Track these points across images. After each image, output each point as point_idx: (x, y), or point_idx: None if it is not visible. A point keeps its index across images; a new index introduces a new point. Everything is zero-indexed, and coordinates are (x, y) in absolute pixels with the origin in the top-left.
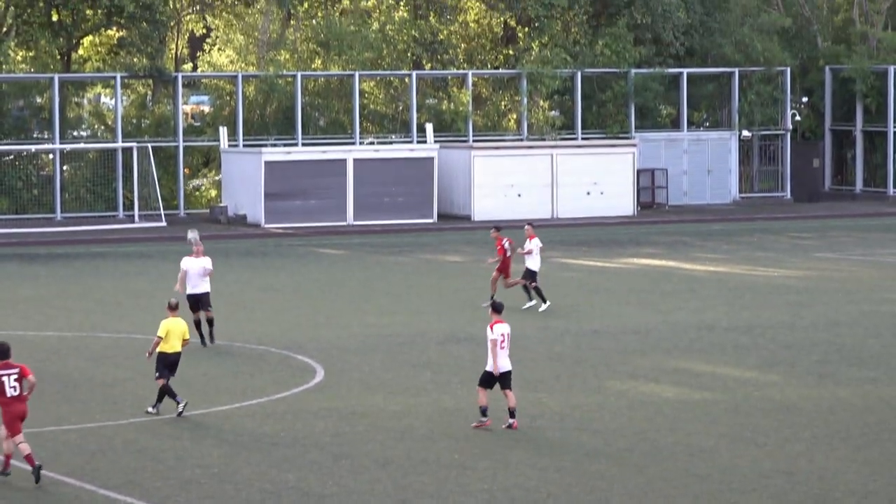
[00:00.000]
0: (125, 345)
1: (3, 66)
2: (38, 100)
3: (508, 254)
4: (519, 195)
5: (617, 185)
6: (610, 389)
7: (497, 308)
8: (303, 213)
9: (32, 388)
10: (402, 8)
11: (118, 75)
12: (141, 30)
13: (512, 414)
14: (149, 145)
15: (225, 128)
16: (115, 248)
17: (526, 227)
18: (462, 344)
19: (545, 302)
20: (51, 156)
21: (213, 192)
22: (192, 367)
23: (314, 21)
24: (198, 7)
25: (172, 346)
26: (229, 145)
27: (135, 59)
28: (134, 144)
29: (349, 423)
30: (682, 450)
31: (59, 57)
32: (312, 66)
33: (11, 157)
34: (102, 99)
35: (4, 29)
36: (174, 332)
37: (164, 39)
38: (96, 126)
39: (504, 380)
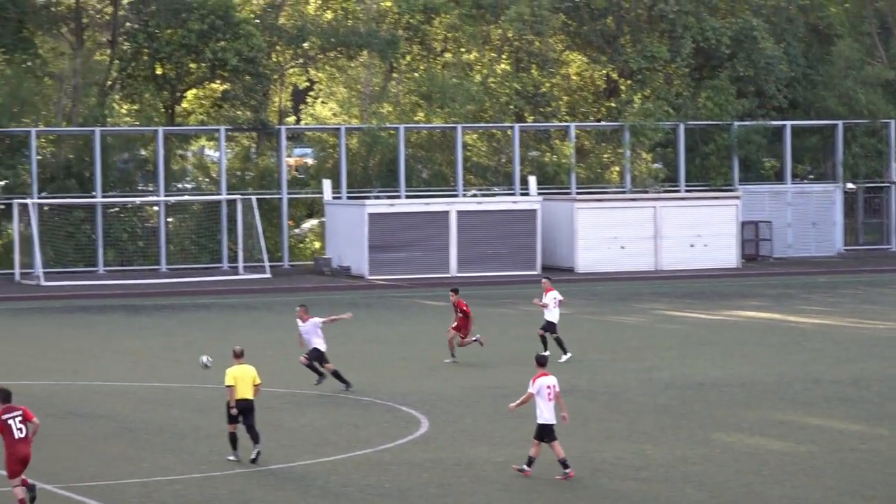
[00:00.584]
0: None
1: (109, 120)
2: (143, 152)
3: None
4: (622, 247)
5: (720, 238)
6: (715, 442)
7: (541, 361)
8: (406, 264)
9: (35, 430)
10: (504, 61)
11: (222, 128)
12: (244, 83)
13: (565, 465)
14: (253, 197)
15: (329, 180)
16: (219, 299)
17: (543, 280)
18: (565, 396)
19: (566, 353)
20: (156, 208)
21: (318, 244)
22: (297, 418)
23: (416, 74)
24: (301, 60)
25: (241, 392)
26: (333, 197)
27: (238, 112)
28: (238, 196)
29: (454, 475)
30: (788, 503)
31: (163, 110)
32: (415, 119)
33: (117, 209)
34: (206, 151)
35: (110, 82)
36: (242, 378)
37: (268, 92)
38: (200, 178)
39: (549, 433)
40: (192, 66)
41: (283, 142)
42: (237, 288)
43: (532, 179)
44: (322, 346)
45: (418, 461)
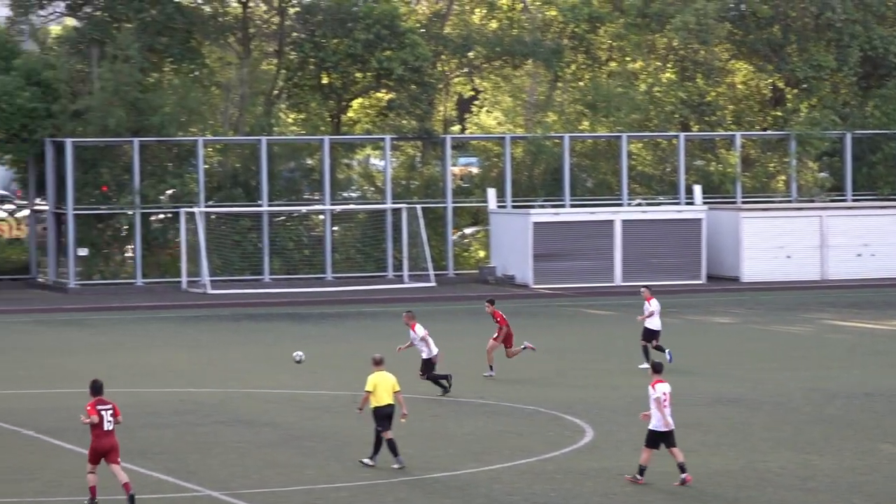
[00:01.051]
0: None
1: (275, 129)
2: (309, 161)
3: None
4: (788, 257)
5: (889, 247)
6: (883, 452)
7: (657, 368)
8: (571, 273)
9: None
10: (669, 70)
11: (387, 137)
12: (410, 92)
13: (683, 469)
14: (418, 206)
15: (493, 189)
16: (384, 307)
17: (642, 289)
18: (731, 405)
19: (647, 363)
20: (321, 216)
21: (482, 253)
22: (462, 426)
23: (581, 83)
24: (466, 69)
25: (380, 399)
26: (497, 206)
27: (404, 121)
28: (403, 205)
29: (619, 484)
30: None
31: (329, 119)
32: (579, 128)
33: (283, 217)
34: (372, 160)
35: (276, 92)
36: (382, 385)
37: (433, 101)
38: (366, 187)
39: (669, 438)
40: (358, 75)
41: (448, 151)
42: (402, 296)
43: (697, 188)
44: (425, 355)
45: (582, 470)
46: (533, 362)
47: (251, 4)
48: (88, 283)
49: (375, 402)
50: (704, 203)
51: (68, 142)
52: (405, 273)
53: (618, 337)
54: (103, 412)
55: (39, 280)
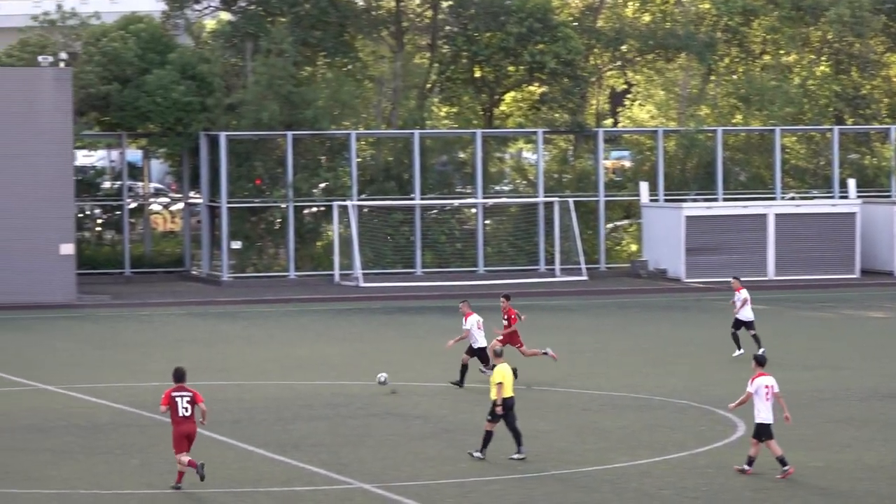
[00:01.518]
0: (547, 397)
1: (428, 122)
2: (461, 155)
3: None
4: None
5: None
6: None
7: (760, 361)
8: (723, 267)
9: (204, 414)
10: (823, 63)
11: (540, 131)
12: (562, 85)
13: (783, 462)
14: (570, 200)
15: (646, 183)
16: (536, 301)
17: (732, 280)
18: (886, 401)
19: (739, 349)
20: (473, 210)
21: (634, 247)
22: (613, 419)
23: (734, 76)
24: (618, 63)
25: (508, 391)
26: (650, 200)
27: (556, 115)
28: (555, 199)
29: (770, 479)
30: None
31: (481, 112)
32: (732, 122)
33: (435, 211)
34: (524, 154)
35: (429, 85)
36: (509, 376)
37: (586, 95)
38: (518, 180)
39: (766, 431)
40: (511, 68)
41: (601, 144)
42: (554, 290)
43: (851, 182)
44: (477, 344)
45: (733, 465)
46: (686, 356)
47: None
48: (241, 275)
49: (505, 392)
50: (859, 197)
51: (222, 135)
52: (557, 267)
53: (771, 332)
54: (178, 399)
55: (193, 273)
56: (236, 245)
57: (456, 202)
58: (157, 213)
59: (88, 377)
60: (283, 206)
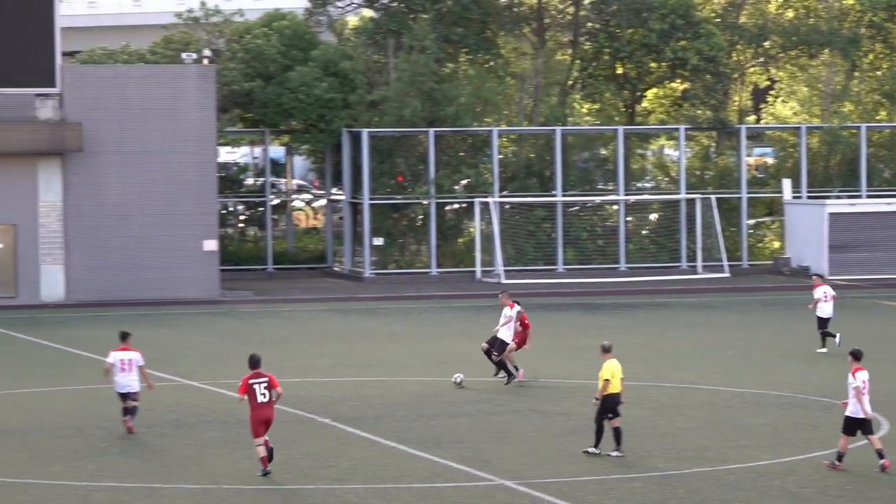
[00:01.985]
0: (689, 395)
1: (569, 119)
2: (603, 151)
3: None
4: None
5: None
6: None
7: (857, 355)
8: (867, 265)
9: (279, 397)
10: None
11: (682, 127)
12: (705, 82)
13: (881, 455)
14: (712, 197)
15: (788, 179)
16: (677, 298)
17: (813, 276)
18: None
19: (825, 346)
20: (615, 207)
21: (776, 244)
22: (756, 417)
23: (879, 72)
24: (761, 59)
25: (615, 386)
26: (793, 197)
27: (698, 112)
28: (697, 196)
29: None
30: None
31: (623, 109)
32: (877, 118)
33: (577, 207)
34: (666, 150)
35: (571, 82)
36: (616, 373)
37: (728, 92)
38: (659, 177)
39: (866, 426)
40: (653, 65)
41: (743, 141)
42: (695, 287)
43: None
44: (505, 337)
45: (877, 464)
46: (828, 354)
47: None
48: (383, 272)
49: (611, 389)
50: None
51: (364, 132)
52: (699, 264)
53: None
54: (255, 385)
55: (335, 269)
56: (378, 241)
57: (597, 199)
58: (299, 209)
59: (231, 373)
60: (425, 202)
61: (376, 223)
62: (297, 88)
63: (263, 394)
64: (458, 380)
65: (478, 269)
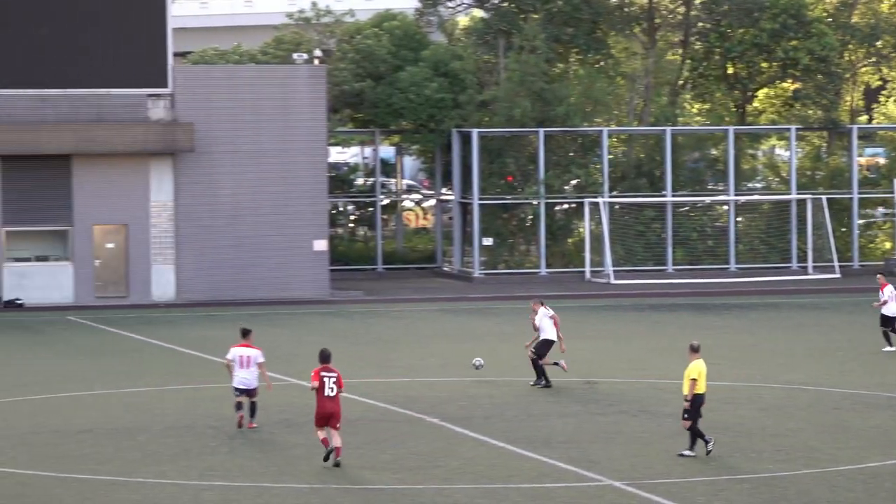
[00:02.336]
0: (798, 396)
1: (680, 119)
2: (713, 152)
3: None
4: None
5: None
6: None
7: None
8: None
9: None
10: None
11: (793, 127)
12: (816, 82)
13: None
14: (823, 197)
15: None
16: (787, 299)
17: (878, 276)
18: None
19: (892, 345)
20: (725, 207)
21: (888, 244)
22: (866, 419)
23: None
24: (874, 59)
25: (701, 387)
26: None
27: (809, 112)
28: (808, 196)
29: None
30: None
31: (734, 109)
32: None
33: (687, 208)
34: (777, 150)
35: (681, 82)
36: (703, 373)
37: (840, 91)
38: (770, 178)
39: None
40: (764, 65)
41: (855, 141)
42: (806, 288)
43: None
44: (547, 336)
45: None
46: None
47: None
48: (493, 272)
49: (698, 389)
50: None
51: (474, 132)
52: (809, 264)
53: None
54: (326, 378)
55: (445, 269)
56: (488, 242)
57: (708, 199)
58: (409, 209)
59: (340, 372)
60: (535, 202)
61: (486, 223)
62: (408, 88)
63: (331, 388)
64: (479, 364)
65: (587, 269)
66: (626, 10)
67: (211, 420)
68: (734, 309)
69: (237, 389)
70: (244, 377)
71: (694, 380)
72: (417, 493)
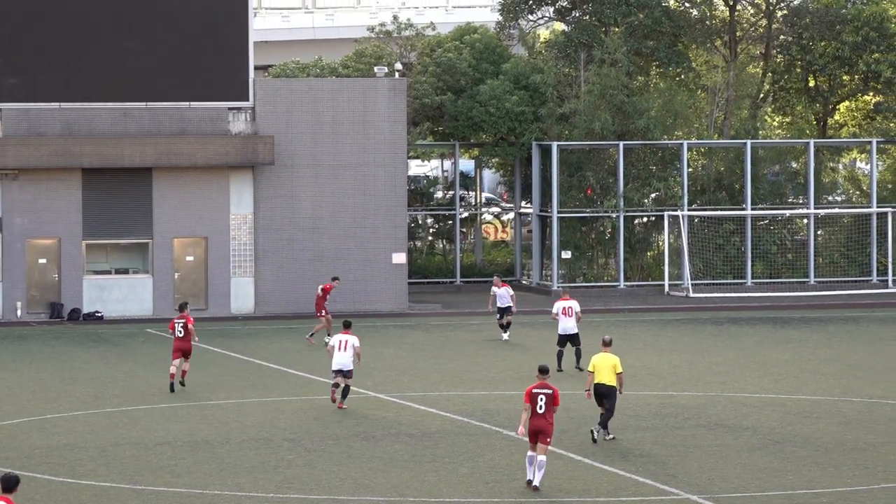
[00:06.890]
0: (877, 409)
1: (760, 132)
2: (794, 165)
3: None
4: None
5: None
6: None
7: None
8: None
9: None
10: None
11: (874, 140)
12: None
13: None
14: None
15: None
16: (867, 312)
17: None
18: None
19: None
20: (805, 220)
21: None
22: None
23: None
24: None
25: (599, 378)
26: None
27: (891, 125)
28: (889, 209)
29: None
30: None
31: (814, 122)
32: None
33: (766, 221)
34: (858, 164)
35: (762, 95)
36: (599, 366)
37: None
38: (851, 191)
39: None
40: (845, 78)
41: None
42: (887, 301)
43: None
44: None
45: None
46: None
47: (738, 8)
48: (571, 285)
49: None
50: None
51: (554, 145)
52: (890, 278)
53: None
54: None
55: (524, 282)
56: (566, 255)
57: (787, 212)
58: (488, 222)
59: (418, 385)
60: (614, 216)
61: (565, 236)
62: (488, 102)
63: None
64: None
65: (666, 282)
66: (707, 23)
67: (288, 433)
68: (813, 322)
69: (334, 371)
70: (341, 360)
71: (591, 372)
72: None
